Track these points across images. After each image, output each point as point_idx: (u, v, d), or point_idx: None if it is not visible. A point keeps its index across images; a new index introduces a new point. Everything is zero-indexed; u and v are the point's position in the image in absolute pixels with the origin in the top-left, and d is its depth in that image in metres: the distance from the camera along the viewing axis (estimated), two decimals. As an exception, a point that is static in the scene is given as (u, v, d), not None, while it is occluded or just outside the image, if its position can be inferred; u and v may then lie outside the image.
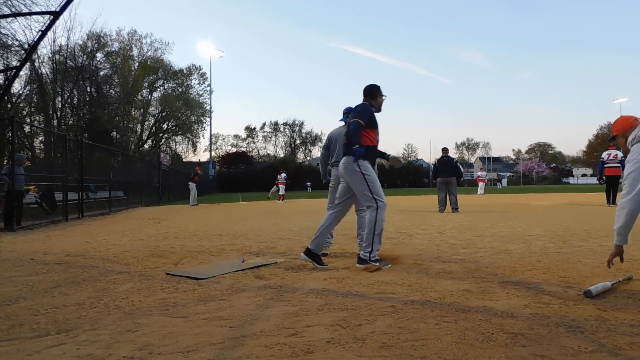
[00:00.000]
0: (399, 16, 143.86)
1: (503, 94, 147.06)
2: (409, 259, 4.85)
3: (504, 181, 62.92)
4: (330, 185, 5.54)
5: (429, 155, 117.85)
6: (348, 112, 5.45)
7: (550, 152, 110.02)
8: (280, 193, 24.42)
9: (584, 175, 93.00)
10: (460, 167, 13.14)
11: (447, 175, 12.78)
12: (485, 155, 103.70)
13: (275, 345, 2.34)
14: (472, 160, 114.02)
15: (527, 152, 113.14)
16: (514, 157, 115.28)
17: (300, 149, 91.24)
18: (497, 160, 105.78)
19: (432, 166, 13.10)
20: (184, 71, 50.20)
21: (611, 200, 13.39)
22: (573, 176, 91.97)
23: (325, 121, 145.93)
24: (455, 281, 3.77)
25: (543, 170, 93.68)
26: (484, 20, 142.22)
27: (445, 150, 13.53)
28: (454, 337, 2.40)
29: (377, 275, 4.10)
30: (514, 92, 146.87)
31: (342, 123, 5.55)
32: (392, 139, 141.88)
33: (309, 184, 56.61)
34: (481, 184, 29.45)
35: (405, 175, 73.04)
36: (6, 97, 20.90)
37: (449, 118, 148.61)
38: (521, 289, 3.42)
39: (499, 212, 12.48)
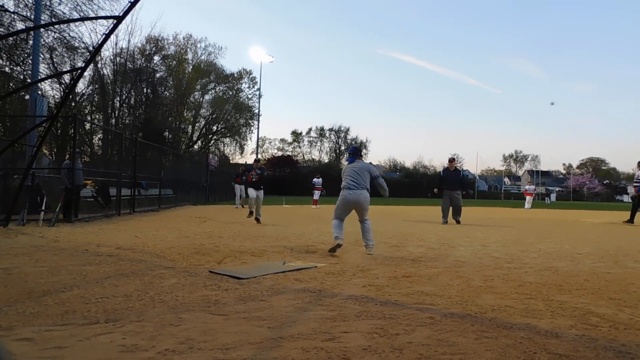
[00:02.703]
0: (449, 24, 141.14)
1: (555, 106, 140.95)
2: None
3: (553, 196, 60.17)
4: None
5: (474, 166, 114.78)
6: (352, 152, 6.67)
7: (603, 167, 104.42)
8: (314, 198, 23.46)
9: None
10: (438, 177, 12.82)
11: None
12: (534, 169, 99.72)
13: (311, 349, 2.37)
14: (520, 173, 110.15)
15: (578, 167, 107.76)
16: (564, 171, 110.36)
17: (345, 155, 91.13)
18: (546, 174, 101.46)
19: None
20: (235, 75, 51.36)
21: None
22: (628, 194, 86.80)
23: (371, 129, 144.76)
24: (497, 296, 3.68)
25: (595, 186, 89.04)
26: (537, 31, 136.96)
27: (450, 160, 13.26)
28: (494, 353, 2.35)
29: (417, 285, 4.06)
30: (567, 104, 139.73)
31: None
32: (437, 148, 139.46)
33: (352, 190, 56.27)
34: (529, 198, 28.40)
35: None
36: (71, 96, 22.14)
37: (497, 129, 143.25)
38: (567, 309, 3.29)
39: (546, 227, 12.01)
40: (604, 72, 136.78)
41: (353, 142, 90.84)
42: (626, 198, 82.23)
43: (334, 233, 6.17)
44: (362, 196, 6.18)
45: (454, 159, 13.21)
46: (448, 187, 12.46)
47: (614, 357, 2.33)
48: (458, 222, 12.23)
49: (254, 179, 11.71)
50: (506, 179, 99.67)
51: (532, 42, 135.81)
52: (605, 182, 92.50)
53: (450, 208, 12.42)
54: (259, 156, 63.62)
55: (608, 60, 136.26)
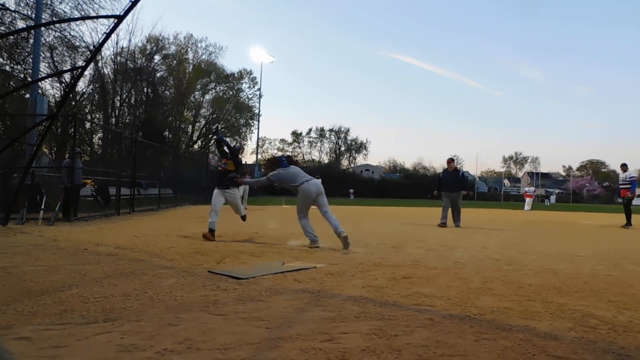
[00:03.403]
0: (451, 27, 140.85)
1: (556, 109, 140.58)
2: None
3: (553, 198, 60.06)
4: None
5: (474, 167, 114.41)
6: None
7: (603, 170, 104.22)
8: None
9: (639, 196, 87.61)
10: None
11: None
12: (534, 171, 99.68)
13: (310, 349, 2.37)
14: (520, 175, 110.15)
15: (578, 169, 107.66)
16: (564, 173, 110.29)
17: (345, 156, 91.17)
18: (545, 176, 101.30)
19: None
20: (235, 75, 51.34)
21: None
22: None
23: (371, 130, 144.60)
24: (496, 298, 3.67)
25: (595, 188, 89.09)
26: (539, 34, 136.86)
27: (448, 160, 12.86)
28: (492, 355, 2.34)
29: (416, 286, 4.05)
30: (568, 107, 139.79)
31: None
32: (438, 150, 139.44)
33: (351, 190, 56.22)
34: (528, 200, 28.42)
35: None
36: (71, 95, 22.12)
37: (498, 131, 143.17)
38: (566, 311, 3.29)
39: (546, 229, 12.01)
40: (605, 75, 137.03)
41: (353, 143, 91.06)
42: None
43: (308, 236, 6.76)
44: (318, 182, 7.10)
45: (452, 159, 12.86)
46: (447, 188, 12.18)
47: (613, 360, 2.32)
48: (457, 226, 11.92)
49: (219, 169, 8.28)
50: (506, 181, 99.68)
51: (533, 45, 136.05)
52: (605, 185, 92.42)
53: (450, 210, 12.23)
54: (259, 156, 62.61)
55: (609, 64, 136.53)
